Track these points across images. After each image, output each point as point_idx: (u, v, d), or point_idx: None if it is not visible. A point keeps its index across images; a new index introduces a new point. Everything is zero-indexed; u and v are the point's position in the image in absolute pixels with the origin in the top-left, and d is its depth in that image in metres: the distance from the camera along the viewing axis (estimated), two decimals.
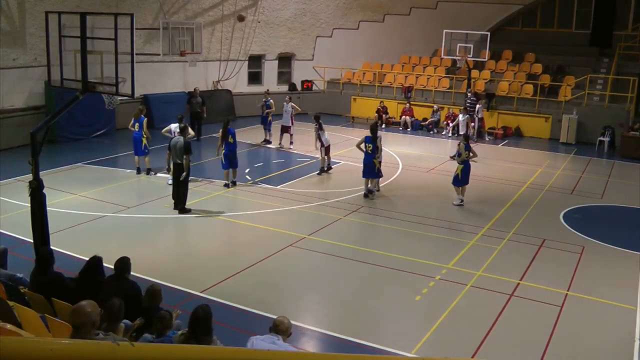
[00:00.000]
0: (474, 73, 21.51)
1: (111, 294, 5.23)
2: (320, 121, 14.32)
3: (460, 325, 7.30)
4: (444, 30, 20.80)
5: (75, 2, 16.66)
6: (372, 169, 12.29)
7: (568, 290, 8.28)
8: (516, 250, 9.82)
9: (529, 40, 23.23)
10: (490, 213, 11.77)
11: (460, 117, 16.71)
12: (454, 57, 21.42)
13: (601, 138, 18.77)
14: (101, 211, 11.08)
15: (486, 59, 21.58)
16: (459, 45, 20.56)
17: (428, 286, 8.30)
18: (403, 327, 7.29)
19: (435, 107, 21.24)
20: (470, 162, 12.14)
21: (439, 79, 22.72)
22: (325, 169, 14.53)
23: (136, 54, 7.02)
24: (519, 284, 8.45)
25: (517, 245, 10.03)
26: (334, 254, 9.37)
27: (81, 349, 1.57)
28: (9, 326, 3.74)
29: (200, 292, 7.82)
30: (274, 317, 5.16)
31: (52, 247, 7.23)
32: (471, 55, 20.44)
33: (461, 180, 12.02)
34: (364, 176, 12.45)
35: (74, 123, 17.06)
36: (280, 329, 4.79)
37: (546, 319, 7.44)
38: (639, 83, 18.95)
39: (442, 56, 21.84)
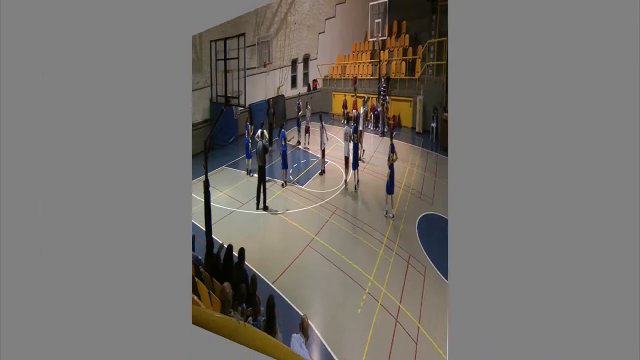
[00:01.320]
0: (383, 55, 18.16)
1: (239, 278, 5.88)
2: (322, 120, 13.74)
3: None
4: (370, 4, 16.89)
5: (220, 28, 17.68)
6: None
7: None
8: None
9: None
10: None
11: (362, 109, 15.04)
12: (373, 39, 17.77)
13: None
14: (231, 207, 10.13)
15: (386, 37, 17.20)
16: (376, 21, 16.58)
17: None
18: None
19: (366, 97, 18.83)
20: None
21: (365, 66, 20.28)
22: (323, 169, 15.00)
23: (247, 69, 8.09)
24: None
25: None
26: None
27: (226, 323, 2.33)
28: (195, 299, 4.82)
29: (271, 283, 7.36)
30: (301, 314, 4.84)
31: (212, 237, 8.05)
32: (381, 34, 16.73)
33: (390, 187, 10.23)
34: None
35: (219, 132, 17.44)
36: (303, 328, 4.46)
37: None
38: None
39: (369, 39, 18.04)
